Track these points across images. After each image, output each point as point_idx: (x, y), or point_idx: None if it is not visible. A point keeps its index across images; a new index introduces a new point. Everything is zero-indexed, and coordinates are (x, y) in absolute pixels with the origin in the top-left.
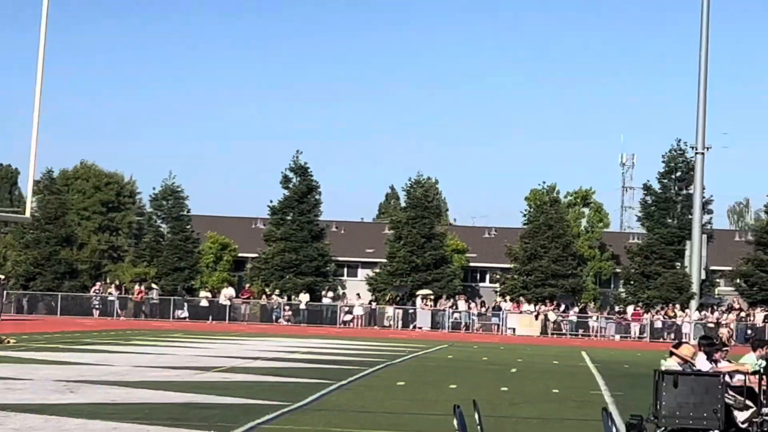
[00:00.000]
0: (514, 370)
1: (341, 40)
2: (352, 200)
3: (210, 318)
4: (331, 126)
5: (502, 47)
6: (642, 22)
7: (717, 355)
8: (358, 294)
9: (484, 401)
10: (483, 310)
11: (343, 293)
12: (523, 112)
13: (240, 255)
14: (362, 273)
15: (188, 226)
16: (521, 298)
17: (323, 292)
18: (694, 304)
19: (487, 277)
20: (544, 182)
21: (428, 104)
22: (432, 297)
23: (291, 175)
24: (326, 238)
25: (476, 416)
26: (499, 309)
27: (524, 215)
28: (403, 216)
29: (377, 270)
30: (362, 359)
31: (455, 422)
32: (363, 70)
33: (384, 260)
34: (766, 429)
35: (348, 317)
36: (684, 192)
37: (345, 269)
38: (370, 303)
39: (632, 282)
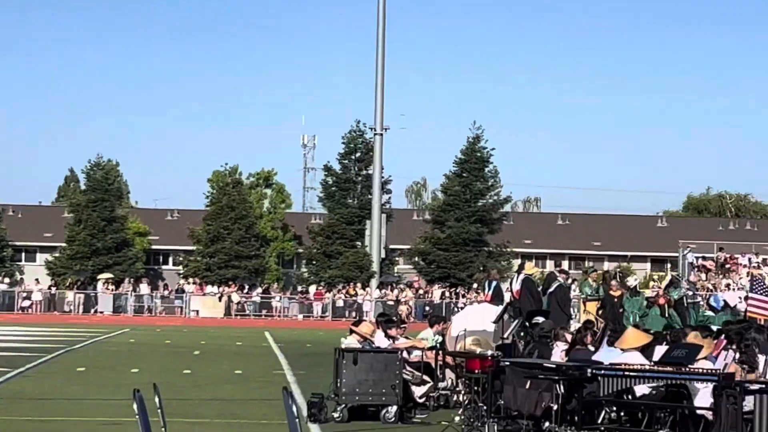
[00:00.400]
0: (197, 352)
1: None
2: (29, 183)
3: None
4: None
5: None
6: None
7: (394, 332)
8: (36, 279)
9: (166, 384)
10: (166, 292)
11: (21, 279)
12: (203, 94)
13: None
14: (41, 257)
15: None
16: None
17: None
18: (374, 282)
19: (170, 259)
20: (226, 164)
21: (107, 85)
22: (113, 280)
23: None
24: (2, 222)
25: (156, 400)
26: (183, 291)
27: (207, 197)
28: (83, 199)
29: (56, 254)
30: (41, 346)
31: (135, 406)
32: (36, 52)
33: (63, 244)
34: (443, 403)
35: (26, 303)
36: (364, 172)
37: (23, 254)
38: (49, 288)
39: (314, 262)
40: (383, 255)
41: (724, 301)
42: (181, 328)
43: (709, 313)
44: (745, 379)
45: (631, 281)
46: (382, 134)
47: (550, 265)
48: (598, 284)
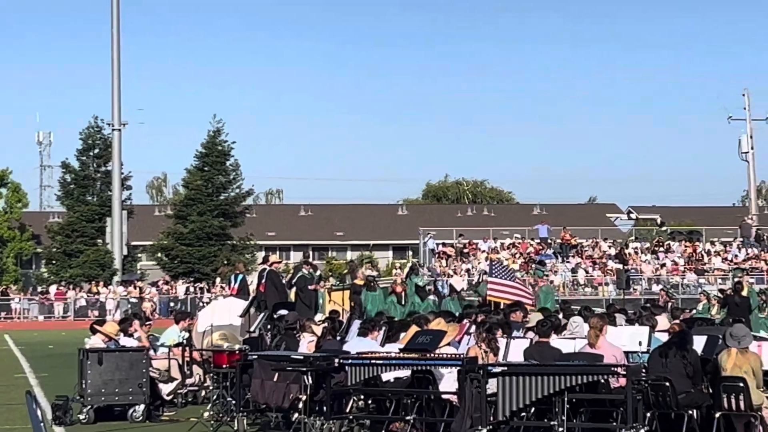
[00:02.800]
0: None
1: None
2: None
3: None
4: None
5: None
6: None
7: (133, 329)
8: None
9: None
10: None
11: None
12: None
13: None
14: None
15: None
16: None
17: None
18: (117, 279)
19: None
20: None
21: None
22: None
23: None
24: None
25: None
26: None
27: None
28: None
29: None
30: None
31: None
32: None
33: None
34: (191, 399)
35: None
36: (103, 169)
37: None
38: None
39: (54, 261)
40: (125, 252)
41: (450, 285)
42: None
43: (432, 297)
44: (487, 363)
45: (366, 272)
46: (120, 130)
47: (294, 256)
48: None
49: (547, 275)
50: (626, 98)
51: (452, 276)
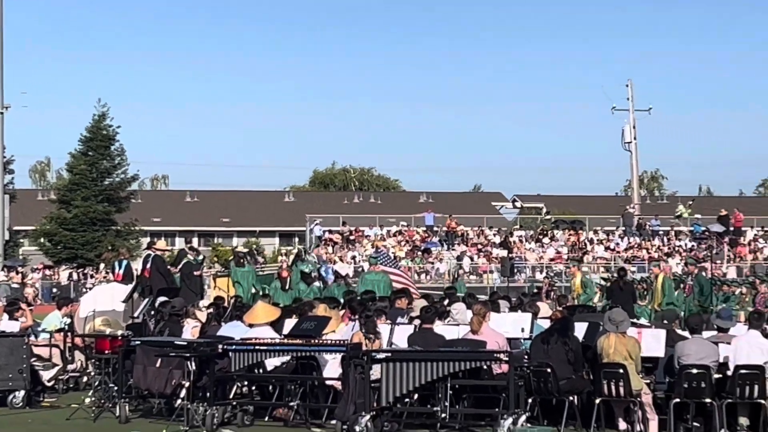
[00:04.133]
0: None
1: None
2: None
3: None
4: None
5: None
6: None
7: (20, 314)
8: None
9: None
10: None
11: None
12: None
13: None
14: None
15: None
16: None
17: None
18: None
19: None
20: None
21: None
22: None
23: None
24: None
25: None
26: None
27: None
28: None
29: None
30: None
31: None
32: None
33: None
34: (72, 385)
35: None
36: None
37: None
38: None
39: None
40: (7, 237)
41: (335, 272)
42: None
43: (317, 283)
44: (371, 349)
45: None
46: (2, 113)
47: (179, 242)
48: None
49: (432, 263)
50: (511, 88)
51: (337, 262)
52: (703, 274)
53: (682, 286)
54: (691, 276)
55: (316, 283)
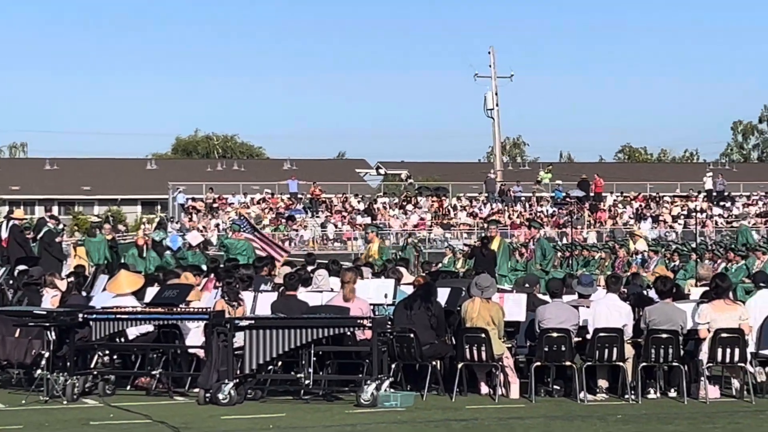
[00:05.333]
0: None
1: None
2: None
3: None
4: None
5: None
6: None
7: None
8: None
9: None
10: None
11: None
12: None
13: None
14: None
15: None
16: None
17: None
18: None
19: None
20: None
21: None
22: None
23: None
24: None
25: None
26: None
27: None
28: None
29: None
30: None
31: None
32: None
33: None
34: None
35: None
36: None
37: None
38: None
39: None
40: None
41: (186, 242)
42: None
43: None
44: (234, 316)
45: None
46: None
47: (39, 210)
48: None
49: (296, 230)
50: (375, 55)
51: (191, 231)
52: (545, 238)
53: (524, 250)
54: (533, 240)
55: (168, 252)
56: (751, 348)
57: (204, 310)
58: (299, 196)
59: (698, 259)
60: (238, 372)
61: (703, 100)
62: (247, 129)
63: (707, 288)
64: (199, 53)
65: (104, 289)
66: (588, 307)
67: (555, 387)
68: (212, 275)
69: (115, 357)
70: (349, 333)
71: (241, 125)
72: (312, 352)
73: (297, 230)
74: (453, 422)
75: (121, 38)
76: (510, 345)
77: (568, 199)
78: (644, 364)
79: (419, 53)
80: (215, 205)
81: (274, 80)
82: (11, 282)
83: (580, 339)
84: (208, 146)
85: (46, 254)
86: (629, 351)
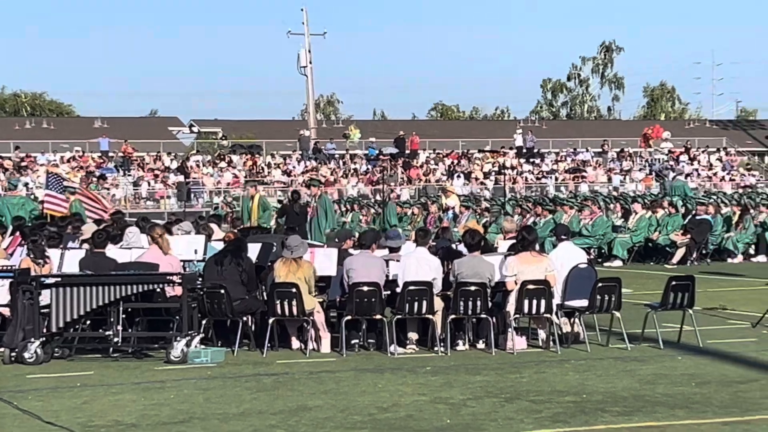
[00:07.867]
0: None
1: None
2: None
3: None
4: None
5: None
6: None
7: None
8: None
9: None
10: None
11: None
12: None
13: None
14: None
15: None
16: None
17: None
18: None
19: None
20: None
21: None
22: None
23: None
24: None
25: None
26: None
27: None
28: None
29: None
30: None
31: None
32: None
33: None
34: None
35: None
36: None
37: None
38: None
39: None
40: None
41: None
42: None
43: None
44: (40, 274)
45: None
46: None
47: None
48: None
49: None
50: (186, 8)
51: None
52: (327, 196)
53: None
54: (314, 198)
55: None
56: (556, 300)
57: (9, 267)
58: (110, 154)
59: (504, 214)
60: (45, 330)
61: (513, 58)
62: (56, 86)
63: (515, 241)
64: (5, 8)
65: None
66: (398, 261)
67: (369, 341)
68: (18, 233)
69: None
70: (158, 289)
71: (50, 82)
72: (121, 309)
73: (108, 189)
74: (264, 377)
75: None
76: (321, 299)
77: (381, 157)
78: (453, 316)
79: (232, 8)
80: (23, 164)
81: (84, 36)
82: None
83: (390, 292)
84: (16, 104)
85: None
86: (438, 304)
